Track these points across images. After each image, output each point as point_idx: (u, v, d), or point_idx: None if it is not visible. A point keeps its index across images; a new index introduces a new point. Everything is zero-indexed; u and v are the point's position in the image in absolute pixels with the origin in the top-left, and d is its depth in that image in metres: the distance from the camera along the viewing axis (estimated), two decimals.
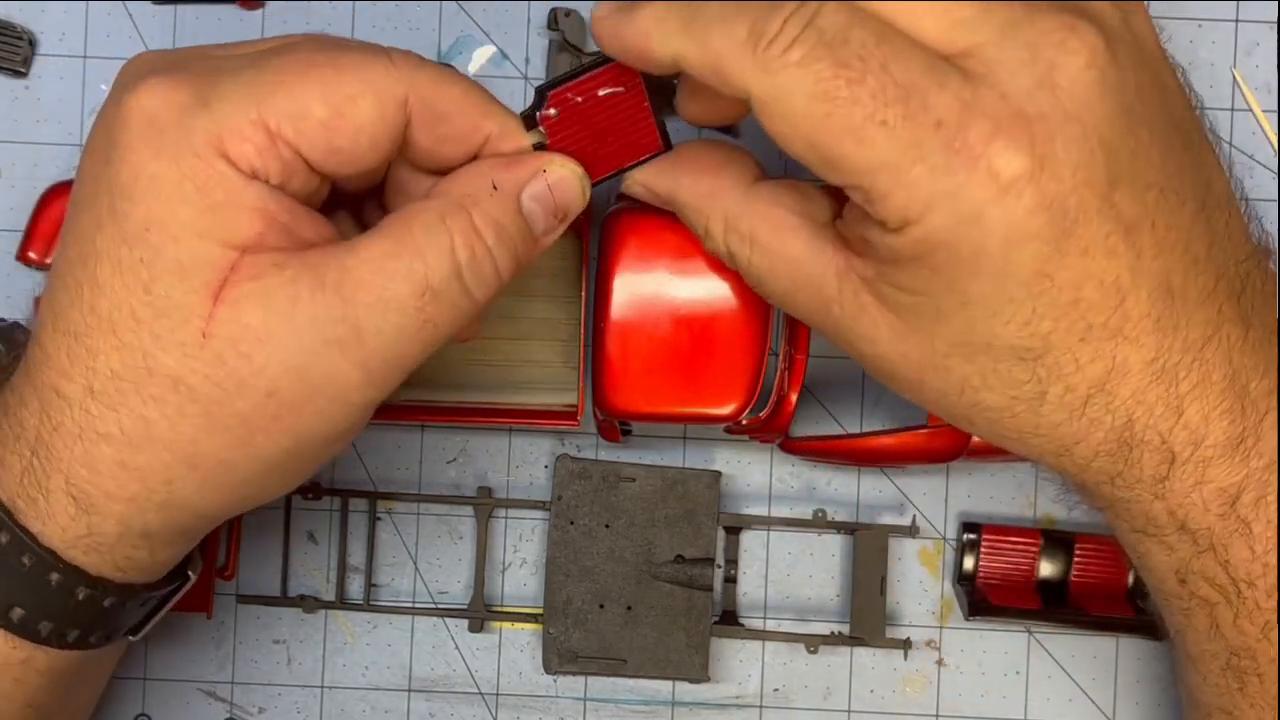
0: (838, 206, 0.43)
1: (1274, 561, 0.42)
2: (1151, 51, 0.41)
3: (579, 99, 0.43)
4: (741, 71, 0.38)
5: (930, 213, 0.38)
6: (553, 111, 0.43)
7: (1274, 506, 0.41)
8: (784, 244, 0.43)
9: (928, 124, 0.37)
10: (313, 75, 0.40)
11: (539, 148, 0.43)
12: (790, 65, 0.37)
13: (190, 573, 0.47)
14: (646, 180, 0.45)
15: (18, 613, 0.42)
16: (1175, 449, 0.41)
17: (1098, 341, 0.40)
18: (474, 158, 0.43)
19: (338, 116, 0.40)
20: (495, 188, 0.42)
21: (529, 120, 0.43)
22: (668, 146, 0.45)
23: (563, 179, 0.43)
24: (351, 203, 0.46)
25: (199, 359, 0.40)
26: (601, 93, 0.43)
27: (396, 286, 0.40)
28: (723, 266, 0.49)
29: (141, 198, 0.39)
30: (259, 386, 0.40)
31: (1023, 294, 0.39)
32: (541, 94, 0.43)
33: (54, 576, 0.42)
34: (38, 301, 0.48)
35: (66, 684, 0.45)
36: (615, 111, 0.43)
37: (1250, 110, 0.56)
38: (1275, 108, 0.56)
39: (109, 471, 0.41)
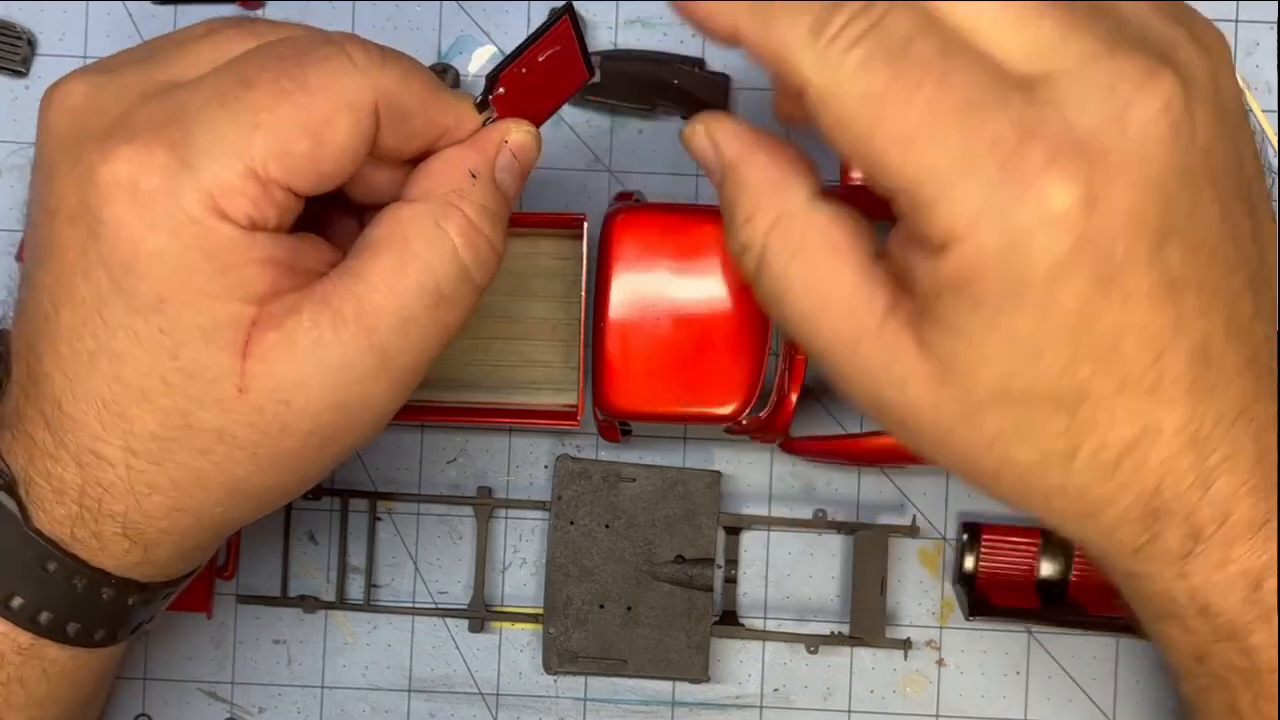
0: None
1: None
2: (1232, 114, 0.39)
3: (524, 70, 0.44)
4: (799, 62, 0.38)
5: (975, 230, 0.36)
6: (502, 90, 0.44)
7: None
8: (833, 264, 0.41)
9: (984, 138, 0.36)
10: (285, 107, 0.39)
11: (489, 121, 0.44)
12: (848, 64, 0.37)
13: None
14: (721, 137, 0.43)
15: (46, 616, 0.42)
16: (1201, 523, 0.39)
17: (1133, 396, 0.38)
18: (431, 148, 0.43)
19: (320, 145, 0.40)
20: (474, 175, 0.43)
21: (482, 105, 0.44)
22: (593, 72, 0.46)
23: (522, 143, 0.44)
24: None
25: (239, 412, 0.40)
26: (542, 58, 0.44)
27: (412, 304, 0.41)
28: (723, 266, 0.49)
29: (148, 272, 0.39)
30: (302, 428, 0.41)
31: (1064, 335, 0.37)
32: (493, 79, 0.44)
33: (106, 592, 0.43)
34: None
35: (96, 682, 0.46)
36: (552, 66, 0.44)
37: (1251, 110, 0.56)
38: (1275, 108, 0.56)
39: (162, 514, 0.42)
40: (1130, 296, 0.37)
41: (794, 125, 0.44)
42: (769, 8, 0.38)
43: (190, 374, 0.40)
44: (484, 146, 0.43)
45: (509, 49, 0.56)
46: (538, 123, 0.45)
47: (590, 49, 0.56)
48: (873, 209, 0.41)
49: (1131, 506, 0.40)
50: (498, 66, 0.44)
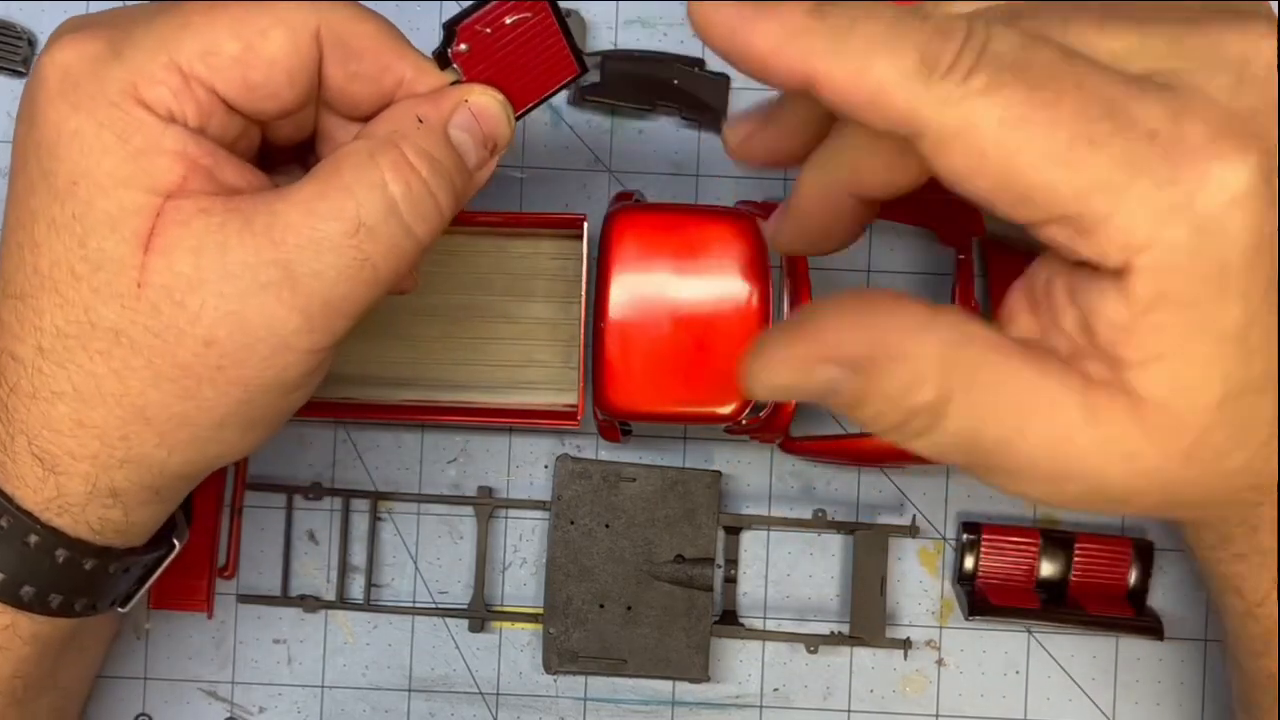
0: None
1: None
2: None
3: (487, 30, 0.43)
4: (910, 103, 0.34)
5: (1162, 230, 0.33)
6: (464, 47, 0.43)
7: None
8: (1012, 372, 0.35)
9: (1140, 135, 0.33)
10: (221, 13, 0.40)
11: (455, 84, 0.44)
12: (974, 93, 0.33)
13: (175, 540, 0.47)
14: (829, 349, 0.36)
15: None
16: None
17: None
18: (390, 102, 0.43)
19: (249, 51, 0.40)
20: (421, 121, 0.42)
21: (441, 59, 0.43)
22: (583, 69, 0.45)
23: (485, 105, 0.43)
24: (297, 157, 0.46)
25: (136, 310, 0.40)
26: (509, 20, 0.43)
27: (327, 226, 0.40)
28: (723, 267, 0.49)
29: (65, 153, 0.40)
30: (197, 335, 0.40)
31: (1265, 310, 0.34)
32: (449, 29, 0.43)
33: (33, 538, 0.42)
34: None
35: (54, 656, 0.45)
36: (526, 39, 0.44)
37: None
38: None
39: (68, 430, 0.41)
40: None
41: (774, 163, 0.42)
42: (858, 46, 0.34)
43: (96, 264, 0.40)
44: (439, 98, 0.43)
45: None
46: (516, 106, 0.44)
47: (590, 49, 0.56)
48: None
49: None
50: (454, 16, 0.43)
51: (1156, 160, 0.33)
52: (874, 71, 0.34)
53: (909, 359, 0.35)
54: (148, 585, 0.47)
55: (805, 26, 0.35)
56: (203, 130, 0.41)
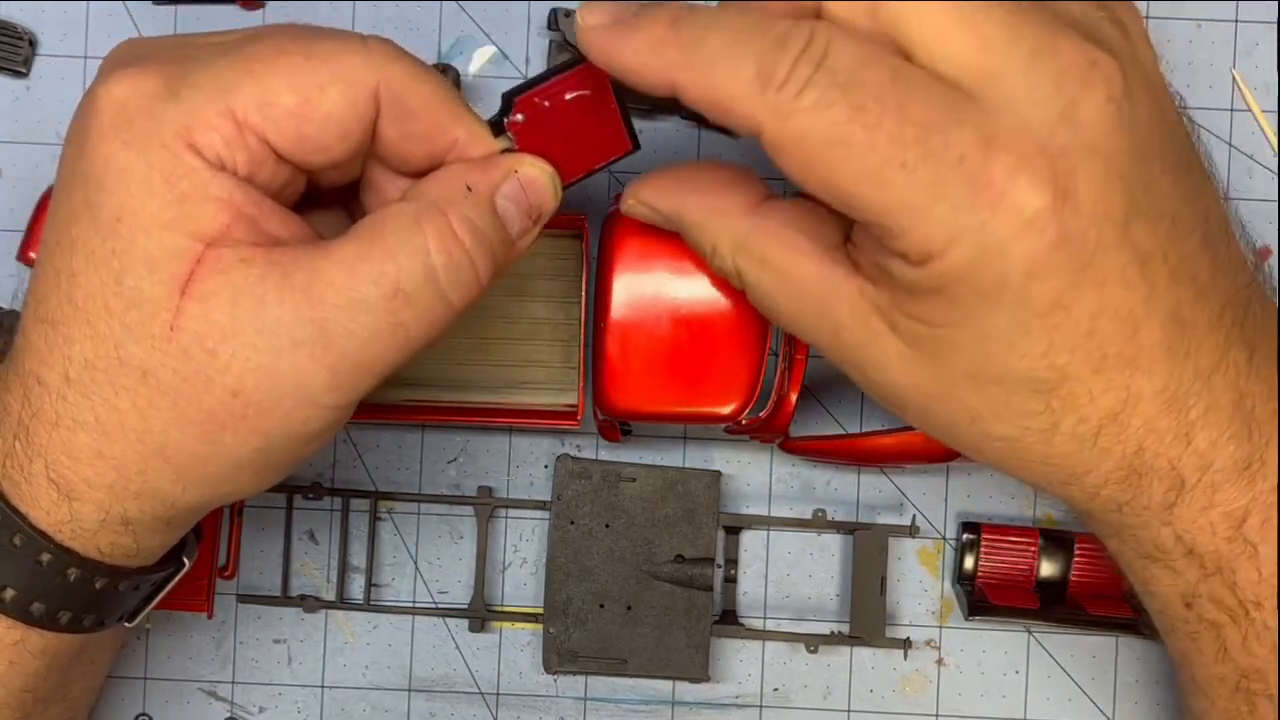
0: (847, 226, 0.43)
1: None
2: (1156, 79, 0.41)
3: (546, 103, 0.43)
4: (750, 112, 0.38)
5: (953, 247, 0.37)
6: (520, 117, 0.43)
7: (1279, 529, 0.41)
8: (795, 265, 0.42)
9: (949, 160, 0.37)
10: (282, 63, 0.40)
11: (506, 152, 0.43)
12: (803, 109, 0.37)
13: (185, 558, 0.47)
14: (650, 199, 0.45)
15: (10, 593, 0.42)
16: (1184, 475, 0.41)
17: (1111, 372, 0.40)
18: (440, 162, 0.43)
19: (306, 104, 0.40)
20: (469, 189, 0.42)
21: (496, 127, 0.43)
22: (636, 146, 0.45)
23: (534, 178, 0.43)
24: (340, 199, 0.46)
25: (167, 352, 0.40)
26: (569, 96, 0.43)
27: (366, 289, 0.40)
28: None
29: (112, 188, 0.40)
30: (225, 384, 0.40)
31: (1039, 326, 0.39)
32: (509, 100, 0.43)
33: (45, 557, 0.42)
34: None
35: (63, 669, 0.45)
36: (582, 113, 0.43)
37: (1250, 110, 0.56)
38: (1275, 108, 0.56)
39: (86, 460, 0.41)
40: (1104, 281, 0.38)
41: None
42: (706, 56, 0.38)
43: (131, 302, 0.40)
44: (489, 167, 0.43)
45: (509, 49, 0.57)
46: (563, 177, 0.44)
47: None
48: None
49: (1115, 469, 0.41)
50: (515, 88, 0.43)
51: (959, 185, 0.37)
52: (718, 81, 0.38)
53: (705, 231, 0.44)
54: (156, 601, 0.47)
55: (664, 39, 0.39)
56: (251, 179, 0.40)
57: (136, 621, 0.47)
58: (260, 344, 0.40)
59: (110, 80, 0.40)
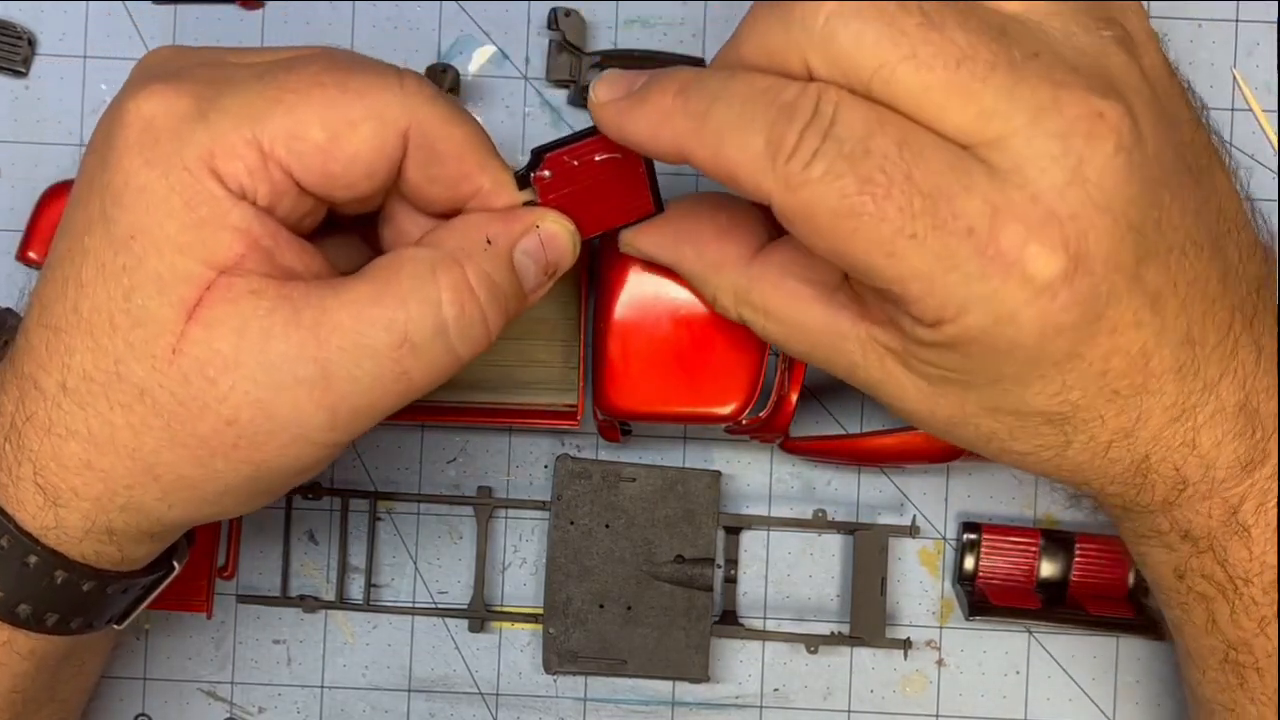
0: None
1: (1272, 560, 0.42)
2: (1164, 89, 0.40)
3: (575, 162, 0.43)
4: (759, 184, 0.37)
5: (964, 315, 0.38)
6: (547, 173, 0.43)
7: (1274, 512, 0.42)
8: (800, 314, 0.43)
9: (958, 231, 0.37)
10: (315, 96, 0.40)
11: (529, 204, 0.43)
12: (812, 181, 0.37)
13: (175, 563, 0.47)
14: (647, 249, 0.46)
15: None
16: (1187, 476, 0.42)
17: (1123, 400, 0.40)
18: (461, 207, 0.43)
19: (335, 141, 0.40)
20: (489, 242, 0.42)
21: (522, 179, 0.43)
22: (659, 209, 0.44)
23: (555, 235, 0.43)
24: (357, 226, 0.45)
25: (166, 374, 0.40)
26: (598, 158, 0.43)
27: (374, 335, 0.40)
28: None
29: (130, 205, 0.39)
30: (220, 413, 0.40)
31: (1053, 372, 0.39)
32: (538, 155, 0.43)
33: (32, 559, 0.42)
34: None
35: (52, 671, 0.45)
36: (610, 175, 0.43)
37: (1250, 110, 0.56)
38: (1275, 108, 0.56)
39: (75, 469, 0.41)
40: (1116, 328, 0.39)
41: None
42: (713, 129, 0.38)
43: (136, 320, 0.40)
44: (511, 220, 0.42)
45: (509, 49, 0.57)
46: (583, 232, 0.44)
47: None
48: None
49: (1123, 473, 0.42)
50: (545, 145, 0.43)
51: (969, 256, 0.37)
52: (727, 153, 0.38)
53: (705, 284, 0.45)
54: (145, 604, 0.47)
55: (672, 110, 0.39)
56: (272, 209, 0.40)
57: (126, 624, 0.46)
58: (261, 378, 0.40)
59: (142, 94, 0.40)
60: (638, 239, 0.46)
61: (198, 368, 0.40)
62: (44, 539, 0.42)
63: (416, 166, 0.41)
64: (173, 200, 0.39)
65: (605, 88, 0.40)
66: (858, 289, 0.42)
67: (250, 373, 0.39)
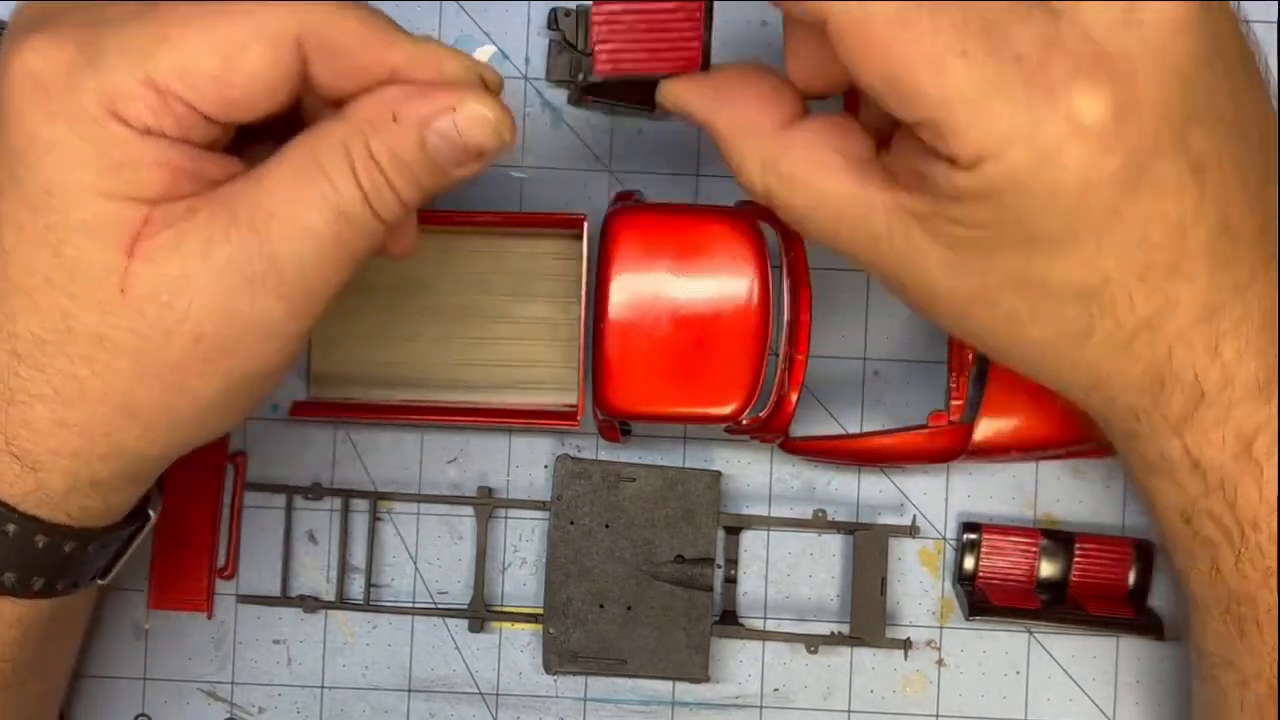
0: (879, 139, 0.43)
1: None
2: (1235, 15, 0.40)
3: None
4: None
5: (1008, 148, 0.37)
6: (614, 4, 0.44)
7: None
8: (826, 183, 0.42)
9: (1008, 57, 0.37)
10: (197, 24, 0.39)
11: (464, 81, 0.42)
12: None
13: (150, 511, 0.47)
14: (684, 100, 0.45)
15: None
16: (1206, 387, 0.41)
17: (1155, 278, 0.40)
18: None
19: (228, 67, 0.39)
20: (395, 119, 0.40)
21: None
22: (706, 66, 0.45)
23: (474, 119, 0.40)
24: (273, 131, 0.44)
25: (120, 314, 0.40)
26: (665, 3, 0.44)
27: (310, 214, 0.40)
28: (722, 267, 0.49)
29: (38, 162, 0.39)
30: (185, 332, 0.40)
31: (1089, 231, 0.39)
32: None
33: (11, 528, 0.42)
34: None
35: (40, 635, 0.45)
36: (667, 16, 0.44)
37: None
38: (1275, 108, 0.56)
39: (49, 430, 0.41)
40: (1158, 187, 0.38)
41: (811, 94, 0.44)
42: None
43: (72, 272, 0.39)
44: (422, 98, 0.41)
45: (509, 49, 0.57)
46: (623, 68, 0.45)
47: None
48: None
49: (1141, 376, 0.41)
50: None
51: (1016, 84, 0.37)
52: None
53: (734, 146, 0.44)
54: (126, 556, 0.47)
55: None
56: (184, 139, 0.40)
57: (109, 578, 0.47)
58: (215, 286, 0.40)
59: (23, 50, 0.39)
60: (679, 87, 0.45)
61: (151, 297, 0.39)
62: (23, 506, 0.42)
63: (322, 68, 0.41)
64: (85, 150, 0.39)
65: None
66: (888, 161, 0.42)
67: (205, 284, 0.39)
